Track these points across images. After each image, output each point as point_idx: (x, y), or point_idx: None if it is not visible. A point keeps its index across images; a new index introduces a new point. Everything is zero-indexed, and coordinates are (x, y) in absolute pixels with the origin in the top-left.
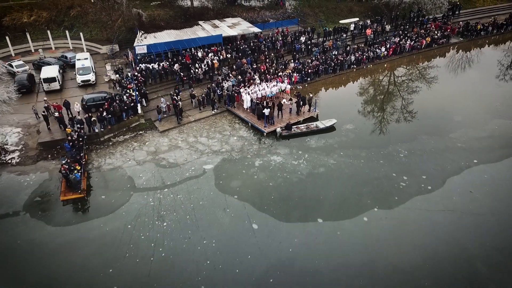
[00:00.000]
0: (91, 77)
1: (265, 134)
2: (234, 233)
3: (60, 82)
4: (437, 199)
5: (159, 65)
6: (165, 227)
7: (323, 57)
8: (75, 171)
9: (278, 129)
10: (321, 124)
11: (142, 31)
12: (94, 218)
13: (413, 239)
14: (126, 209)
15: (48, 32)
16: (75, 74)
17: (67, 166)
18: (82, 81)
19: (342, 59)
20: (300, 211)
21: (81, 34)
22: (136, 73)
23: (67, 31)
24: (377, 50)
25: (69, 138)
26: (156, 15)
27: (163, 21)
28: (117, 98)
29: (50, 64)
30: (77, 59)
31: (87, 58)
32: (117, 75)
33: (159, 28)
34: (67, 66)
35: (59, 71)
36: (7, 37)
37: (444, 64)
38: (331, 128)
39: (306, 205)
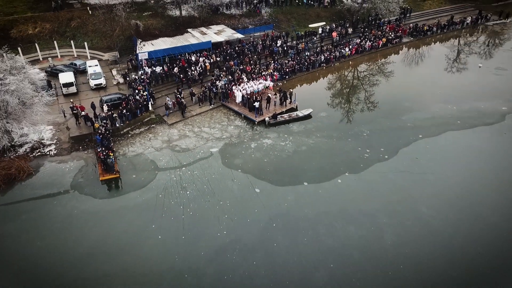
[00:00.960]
0: (102, 81)
1: (256, 123)
2: (242, 196)
3: (76, 86)
4: (391, 164)
5: (163, 68)
6: (188, 194)
7: (298, 58)
8: (111, 156)
9: (267, 118)
10: (300, 113)
11: (140, 39)
12: (130, 191)
13: (374, 192)
14: (154, 184)
15: (55, 42)
16: (88, 79)
17: (104, 153)
18: (95, 85)
19: (313, 59)
20: (290, 178)
21: (85, 43)
22: (142, 76)
23: (72, 41)
24: (342, 50)
25: (99, 131)
26: (150, 24)
27: (157, 29)
28: (131, 98)
29: (62, 71)
30: (89, 66)
31: (97, 65)
32: (127, 78)
33: (154, 36)
34: (77, 72)
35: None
36: (19, 48)
37: (398, 60)
38: (308, 116)
39: (294, 174)
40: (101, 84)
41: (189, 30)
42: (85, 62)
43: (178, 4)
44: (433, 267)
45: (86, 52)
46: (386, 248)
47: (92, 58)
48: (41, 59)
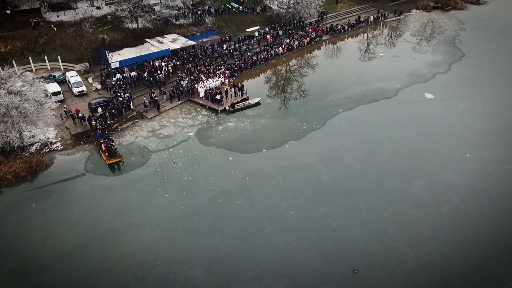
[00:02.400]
0: (84, 88)
1: (219, 111)
2: (220, 163)
3: (63, 94)
4: (322, 131)
5: (138, 73)
6: (179, 166)
7: (242, 58)
8: (113, 145)
9: (227, 107)
10: (252, 101)
11: (107, 51)
12: (134, 169)
13: (312, 151)
14: (151, 162)
15: (30, 58)
16: (70, 87)
17: (108, 143)
18: (78, 92)
19: (255, 58)
20: (252, 147)
21: (58, 57)
22: (119, 82)
23: (45, 56)
24: (276, 49)
25: (97, 127)
26: (112, 37)
27: (119, 41)
28: (114, 100)
29: (44, 83)
30: (70, 76)
31: (77, 75)
32: (106, 84)
33: (118, 47)
34: (57, 82)
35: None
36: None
37: (320, 55)
38: (258, 103)
39: (255, 144)
40: (83, 91)
41: (147, 40)
42: (64, 74)
43: (135, 18)
44: (353, 189)
45: (59, 65)
46: (324, 184)
47: (66, 70)
48: (17, 74)
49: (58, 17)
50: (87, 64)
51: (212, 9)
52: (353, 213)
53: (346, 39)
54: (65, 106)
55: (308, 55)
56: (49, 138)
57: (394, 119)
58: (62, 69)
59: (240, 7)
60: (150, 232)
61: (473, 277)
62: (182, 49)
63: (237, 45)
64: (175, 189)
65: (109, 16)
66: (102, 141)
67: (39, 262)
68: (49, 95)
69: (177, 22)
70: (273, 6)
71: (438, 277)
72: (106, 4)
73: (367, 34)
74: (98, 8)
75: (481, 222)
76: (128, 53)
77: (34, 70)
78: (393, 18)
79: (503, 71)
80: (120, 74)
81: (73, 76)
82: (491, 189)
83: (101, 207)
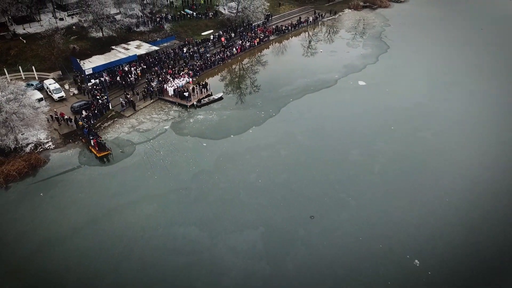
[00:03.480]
0: (63, 94)
1: (188, 106)
2: (196, 149)
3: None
4: (277, 118)
5: (112, 77)
6: (162, 154)
7: (202, 59)
8: (102, 140)
9: (195, 103)
10: (216, 96)
11: (78, 59)
12: (123, 159)
13: (271, 134)
14: (137, 152)
15: (5, 69)
16: (50, 94)
17: (96, 138)
18: (58, 97)
19: (213, 59)
20: (222, 134)
21: (33, 67)
22: (95, 86)
23: (20, 67)
24: (231, 50)
25: (85, 126)
26: (80, 46)
27: (87, 50)
28: (94, 102)
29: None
30: (49, 84)
31: (55, 82)
32: (83, 89)
33: (88, 55)
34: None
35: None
36: None
37: (269, 53)
38: (221, 98)
39: (223, 132)
40: (63, 96)
41: (113, 47)
42: (41, 82)
43: (100, 28)
44: (305, 160)
45: (34, 74)
46: (282, 158)
47: (40, 79)
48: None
49: (24, 29)
50: (59, 72)
51: (169, 16)
52: (307, 177)
53: (290, 38)
54: (55, 110)
55: (259, 53)
56: (41, 139)
57: (335, 103)
58: (37, 78)
59: (194, 13)
60: (148, 205)
61: (397, 211)
62: (147, 54)
63: (195, 48)
64: (162, 171)
65: (73, 27)
66: (91, 137)
67: (59, 236)
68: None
69: (138, 30)
70: (223, 11)
71: (375, 217)
72: (69, 15)
73: (308, 33)
74: (61, 19)
75: (403, 176)
76: (98, 60)
77: (9, 80)
78: (329, 18)
79: (421, 59)
80: (96, 79)
81: (52, 84)
82: (409, 151)
83: (101, 191)
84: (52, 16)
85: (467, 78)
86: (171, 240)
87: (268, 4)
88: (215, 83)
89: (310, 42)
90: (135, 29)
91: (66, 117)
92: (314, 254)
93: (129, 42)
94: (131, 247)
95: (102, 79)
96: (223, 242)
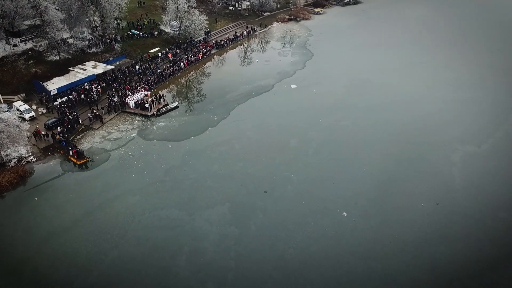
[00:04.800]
0: (33, 113)
1: (149, 116)
2: (163, 150)
3: None
4: (229, 119)
5: (79, 94)
6: (135, 157)
7: (154, 74)
8: (80, 149)
9: (155, 112)
10: (172, 106)
11: (41, 81)
12: (102, 163)
13: (225, 132)
14: (112, 157)
15: None
16: (21, 114)
17: (75, 148)
18: (29, 117)
19: (164, 73)
20: (183, 136)
21: None
22: (63, 105)
23: None
24: (178, 65)
25: (62, 140)
26: (40, 69)
27: (48, 72)
28: (65, 118)
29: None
30: (19, 106)
31: (24, 104)
32: (50, 107)
33: (49, 77)
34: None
35: None
36: None
37: (212, 65)
38: (177, 107)
39: (183, 134)
40: (33, 115)
41: (71, 68)
42: (9, 104)
43: (57, 52)
44: (255, 150)
45: None
46: (237, 150)
47: (6, 101)
48: None
49: None
50: (23, 95)
51: (118, 37)
52: (258, 163)
53: (229, 50)
54: (37, 126)
55: (204, 66)
56: (22, 154)
57: (274, 104)
58: (2, 101)
59: (140, 33)
60: (132, 197)
61: (328, 180)
62: (104, 72)
63: (147, 65)
64: (138, 170)
65: (29, 52)
66: (70, 148)
67: (62, 228)
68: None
69: (91, 51)
70: (167, 30)
71: (313, 187)
72: (22, 41)
73: (244, 45)
74: (15, 45)
75: (331, 155)
76: (60, 81)
77: None
78: (261, 31)
79: (340, 62)
80: (62, 98)
81: (21, 105)
82: (334, 137)
83: (89, 190)
84: (6, 43)
85: (378, 75)
86: (157, 220)
87: (207, 22)
88: (170, 94)
89: (246, 53)
90: (88, 50)
91: (43, 133)
92: (270, 217)
93: (85, 63)
94: (125, 229)
95: (71, 97)
96: (199, 216)
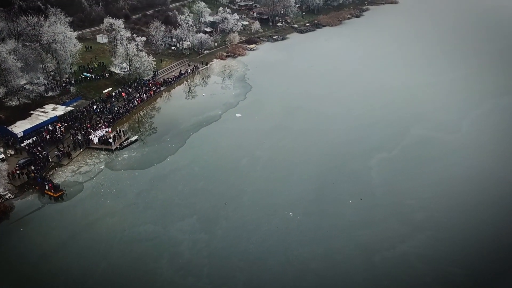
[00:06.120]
0: (2, 155)
1: (113, 150)
2: (131, 177)
3: None
4: (186, 146)
5: (42, 136)
6: (106, 186)
7: (112, 113)
8: (56, 183)
9: (117, 146)
10: (132, 139)
11: (4, 126)
12: (78, 193)
13: (184, 158)
14: (86, 188)
15: None
16: None
17: (51, 183)
18: (0, 159)
19: (121, 111)
20: (147, 165)
21: None
22: (31, 145)
23: None
24: (132, 102)
25: (37, 177)
26: (2, 114)
27: (10, 117)
28: (36, 157)
29: None
30: None
31: None
32: (17, 149)
33: (12, 122)
34: None
35: None
36: None
37: (162, 101)
38: (137, 140)
39: (147, 163)
40: (3, 157)
41: (31, 112)
42: None
43: (17, 97)
44: (213, 168)
45: None
46: (197, 172)
47: None
48: None
49: None
50: None
51: (72, 80)
52: (215, 181)
53: (176, 87)
54: (14, 169)
55: (156, 102)
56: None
57: (223, 131)
58: None
59: (92, 76)
60: (110, 219)
61: (274, 191)
62: (64, 114)
63: (103, 104)
64: (111, 197)
65: None
66: (46, 183)
67: (52, 249)
68: None
69: (48, 95)
70: (117, 71)
71: (263, 195)
72: None
73: (190, 81)
74: None
75: (275, 169)
76: (24, 124)
77: None
78: (203, 68)
79: (275, 91)
80: (30, 139)
81: None
82: (277, 155)
83: (70, 217)
84: None
85: (307, 101)
86: (136, 234)
87: (155, 62)
88: (129, 129)
89: (192, 88)
90: (45, 94)
91: (17, 172)
92: (232, 223)
93: (44, 106)
94: (110, 244)
95: (37, 138)
96: (173, 228)
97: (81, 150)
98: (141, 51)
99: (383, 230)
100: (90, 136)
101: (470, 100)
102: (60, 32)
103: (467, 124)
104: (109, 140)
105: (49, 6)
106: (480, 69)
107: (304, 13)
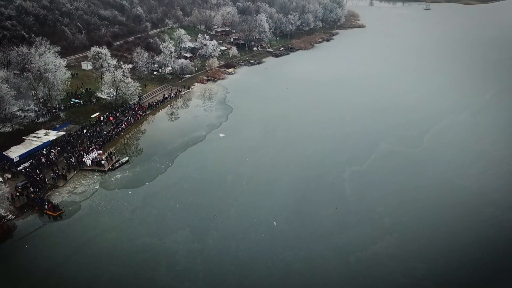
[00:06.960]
0: (0, 179)
1: (106, 171)
2: (125, 196)
3: None
4: (174, 166)
5: (39, 159)
6: (103, 204)
7: (101, 136)
8: (55, 203)
9: (110, 167)
10: (123, 160)
11: (0, 151)
12: (76, 212)
13: (173, 177)
14: (83, 207)
15: None
16: None
17: (50, 203)
18: None
19: (110, 134)
20: (139, 183)
21: None
22: (28, 168)
23: None
24: (120, 126)
25: (36, 198)
26: None
27: (4, 143)
28: (33, 180)
29: None
30: None
31: None
32: (15, 172)
33: (7, 147)
34: None
35: None
36: None
37: (149, 124)
38: (128, 161)
39: (139, 181)
40: (1, 181)
41: (24, 137)
42: None
43: (11, 124)
44: (202, 182)
45: None
46: (186, 189)
47: None
48: None
49: None
50: None
51: (62, 106)
52: (204, 196)
53: (161, 110)
54: (15, 191)
55: (143, 124)
56: (1, 213)
57: (208, 150)
58: None
59: (81, 101)
60: (109, 234)
61: (259, 203)
62: (57, 138)
63: (93, 128)
64: (108, 214)
65: None
66: (45, 203)
67: (59, 262)
68: None
69: (39, 121)
70: (104, 97)
71: (249, 207)
72: None
73: (173, 105)
74: None
75: (258, 184)
76: (18, 149)
77: None
78: (185, 91)
79: (255, 112)
80: (26, 163)
81: None
82: (259, 170)
83: (71, 234)
84: None
85: (284, 120)
86: (134, 247)
87: (140, 87)
88: (119, 151)
89: (176, 111)
90: (36, 120)
91: (17, 194)
92: (222, 233)
93: (36, 132)
94: (111, 256)
95: (33, 161)
96: (168, 240)
97: (75, 172)
98: (127, 77)
99: (357, 234)
100: (83, 159)
101: (430, 117)
102: (51, 61)
103: (427, 139)
104: (101, 162)
105: (33, 35)
106: (441, 87)
107: (278, 37)
